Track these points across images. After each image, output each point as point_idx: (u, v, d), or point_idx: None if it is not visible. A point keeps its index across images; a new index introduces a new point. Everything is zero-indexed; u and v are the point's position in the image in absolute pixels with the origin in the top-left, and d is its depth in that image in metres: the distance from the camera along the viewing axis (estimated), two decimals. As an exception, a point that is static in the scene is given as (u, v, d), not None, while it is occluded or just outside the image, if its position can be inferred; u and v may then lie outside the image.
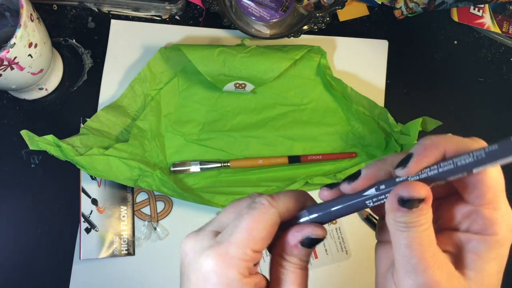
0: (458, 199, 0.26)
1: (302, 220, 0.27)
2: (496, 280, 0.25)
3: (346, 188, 0.26)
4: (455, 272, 0.24)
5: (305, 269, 0.27)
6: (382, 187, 0.25)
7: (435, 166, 0.24)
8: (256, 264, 0.26)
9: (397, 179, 0.24)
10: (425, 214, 0.23)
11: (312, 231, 0.26)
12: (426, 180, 0.24)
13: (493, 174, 0.24)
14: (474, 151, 0.22)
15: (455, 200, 0.26)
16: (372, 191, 0.25)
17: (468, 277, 0.24)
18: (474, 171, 0.23)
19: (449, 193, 0.27)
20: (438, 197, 0.27)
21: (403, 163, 0.24)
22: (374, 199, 0.25)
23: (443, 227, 0.26)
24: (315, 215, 0.27)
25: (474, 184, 0.24)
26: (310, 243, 0.26)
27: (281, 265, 0.27)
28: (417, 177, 0.24)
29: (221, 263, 0.24)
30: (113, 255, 0.55)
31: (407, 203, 0.23)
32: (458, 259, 0.25)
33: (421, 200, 0.23)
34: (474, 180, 0.24)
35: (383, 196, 0.25)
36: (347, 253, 0.58)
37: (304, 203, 0.28)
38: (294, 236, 0.26)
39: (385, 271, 0.27)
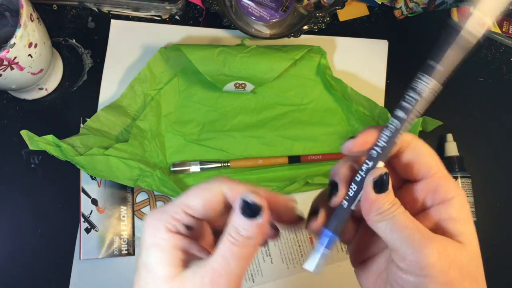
0: (412, 184, 0.28)
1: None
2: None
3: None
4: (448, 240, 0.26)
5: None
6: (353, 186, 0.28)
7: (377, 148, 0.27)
8: (190, 229, 0.27)
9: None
10: (394, 197, 0.26)
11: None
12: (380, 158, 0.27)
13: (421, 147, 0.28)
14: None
15: (410, 186, 0.29)
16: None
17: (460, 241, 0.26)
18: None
19: (401, 184, 0.29)
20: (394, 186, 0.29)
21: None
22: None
23: (413, 212, 0.27)
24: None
25: (413, 161, 0.28)
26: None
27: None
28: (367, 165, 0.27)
29: (154, 216, 0.27)
30: (113, 255, 0.55)
31: (382, 187, 0.26)
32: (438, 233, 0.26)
33: (387, 183, 0.26)
34: (411, 158, 0.28)
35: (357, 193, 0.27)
36: (347, 253, 0.58)
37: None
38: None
39: (372, 284, 0.29)
